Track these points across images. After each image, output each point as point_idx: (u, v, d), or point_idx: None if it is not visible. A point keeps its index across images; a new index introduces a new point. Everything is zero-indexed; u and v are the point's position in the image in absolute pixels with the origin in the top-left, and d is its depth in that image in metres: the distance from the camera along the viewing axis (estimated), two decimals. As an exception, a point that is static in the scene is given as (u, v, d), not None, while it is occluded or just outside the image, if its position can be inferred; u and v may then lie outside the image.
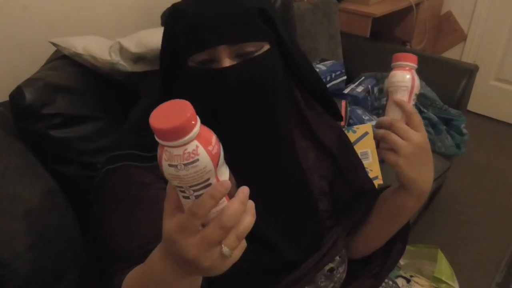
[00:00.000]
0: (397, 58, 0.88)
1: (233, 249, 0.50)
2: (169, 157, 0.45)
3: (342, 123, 1.76)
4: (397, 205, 0.90)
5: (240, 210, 0.49)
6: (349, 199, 0.98)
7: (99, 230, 0.81)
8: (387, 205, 0.93)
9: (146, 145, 0.80)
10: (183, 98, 0.69)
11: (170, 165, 0.45)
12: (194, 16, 0.76)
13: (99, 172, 0.85)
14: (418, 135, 0.80)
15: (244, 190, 0.50)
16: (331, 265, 0.93)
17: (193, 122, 0.44)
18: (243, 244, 0.52)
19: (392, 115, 0.83)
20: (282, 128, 0.86)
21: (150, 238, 0.71)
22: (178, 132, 0.44)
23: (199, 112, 0.65)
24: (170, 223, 0.50)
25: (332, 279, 0.94)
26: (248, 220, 0.50)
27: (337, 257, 0.95)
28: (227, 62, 0.76)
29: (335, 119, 1.02)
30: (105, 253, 0.78)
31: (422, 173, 0.83)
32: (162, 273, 0.56)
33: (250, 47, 0.78)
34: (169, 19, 0.82)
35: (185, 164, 0.45)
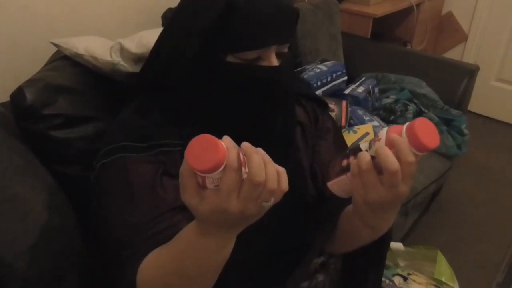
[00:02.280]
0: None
1: (270, 200, 0.58)
2: (213, 181, 0.57)
3: (343, 124, 1.76)
4: (352, 230, 0.85)
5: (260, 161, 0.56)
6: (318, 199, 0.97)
7: (101, 222, 0.82)
8: (344, 225, 0.89)
9: (139, 135, 0.83)
10: (219, 94, 0.83)
11: (215, 186, 0.57)
12: (250, 13, 0.77)
13: (95, 167, 0.86)
14: (405, 187, 0.66)
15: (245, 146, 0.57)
16: (322, 258, 0.94)
17: (225, 154, 0.54)
18: (281, 189, 0.58)
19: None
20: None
21: (151, 222, 0.76)
22: (218, 167, 0.54)
23: (237, 106, 0.82)
24: (206, 203, 0.57)
25: (328, 272, 0.94)
26: (271, 171, 0.57)
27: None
28: (275, 61, 0.81)
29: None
30: (110, 244, 0.79)
31: (381, 220, 0.77)
32: (204, 247, 0.63)
33: (286, 48, 0.84)
34: (211, 13, 0.79)
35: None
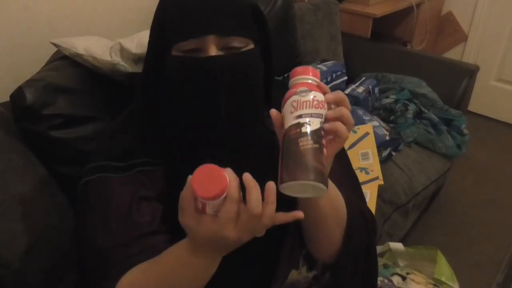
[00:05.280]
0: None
1: (268, 225, 0.63)
2: (213, 207, 0.60)
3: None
4: (310, 210, 0.81)
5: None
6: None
7: (79, 240, 0.84)
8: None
9: (121, 154, 0.83)
10: (167, 89, 0.81)
11: (214, 211, 0.61)
12: (185, 4, 0.77)
13: (79, 183, 0.86)
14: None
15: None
16: (314, 272, 0.93)
17: (227, 184, 0.59)
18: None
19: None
20: (257, 128, 0.87)
21: (123, 246, 0.78)
22: (221, 195, 0.59)
23: (183, 102, 0.80)
24: (204, 228, 0.61)
25: (321, 285, 0.94)
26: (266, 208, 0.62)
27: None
28: (213, 52, 0.76)
29: None
30: (85, 261, 0.81)
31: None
32: (194, 265, 0.68)
33: (237, 42, 0.78)
34: (159, 6, 0.82)
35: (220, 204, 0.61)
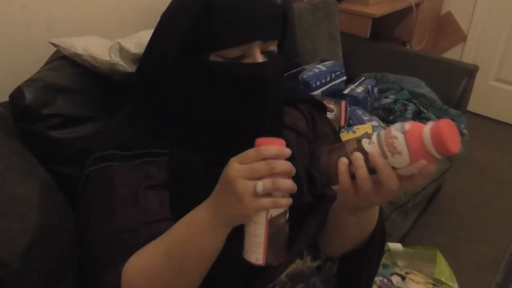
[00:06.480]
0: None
1: (265, 189, 0.62)
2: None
3: (342, 123, 1.76)
4: (339, 222, 0.84)
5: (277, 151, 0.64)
6: (316, 194, 0.95)
7: (84, 229, 0.84)
8: (332, 220, 0.87)
9: (126, 144, 0.83)
10: (202, 94, 0.82)
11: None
12: (228, 9, 0.77)
13: (82, 174, 0.86)
14: None
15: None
16: (318, 262, 0.94)
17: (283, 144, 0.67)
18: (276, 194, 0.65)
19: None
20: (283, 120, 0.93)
21: (131, 232, 0.77)
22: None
23: (222, 107, 0.83)
24: (236, 169, 0.64)
25: (324, 275, 0.94)
26: (283, 164, 0.65)
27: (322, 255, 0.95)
28: (260, 58, 0.79)
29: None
30: (91, 250, 0.81)
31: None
32: (205, 220, 0.68)
33: (273, 45, 0.82)
34: (194, 11, 0.78)
35: None
